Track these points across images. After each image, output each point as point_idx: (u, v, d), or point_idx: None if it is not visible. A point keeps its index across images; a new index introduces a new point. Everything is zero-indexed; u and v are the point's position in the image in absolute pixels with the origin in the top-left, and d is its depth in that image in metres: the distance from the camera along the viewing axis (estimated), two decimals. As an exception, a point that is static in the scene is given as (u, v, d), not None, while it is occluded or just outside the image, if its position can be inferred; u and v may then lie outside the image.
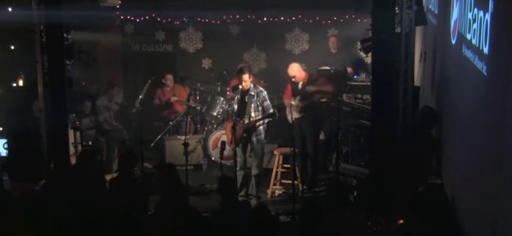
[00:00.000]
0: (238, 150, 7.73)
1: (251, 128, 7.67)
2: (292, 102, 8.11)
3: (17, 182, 7.93)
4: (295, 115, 8.14)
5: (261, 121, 7.68)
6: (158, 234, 5.09)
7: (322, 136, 8.77)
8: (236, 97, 7.71)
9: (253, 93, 7.68)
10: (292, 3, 10.63)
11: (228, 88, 9.61)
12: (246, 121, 7.66)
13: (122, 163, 7.24)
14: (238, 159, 7.73)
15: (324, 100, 8.20)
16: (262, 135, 7.85)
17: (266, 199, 7.95)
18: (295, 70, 8.26)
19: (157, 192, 6.44)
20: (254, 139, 7.75)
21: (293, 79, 8.28)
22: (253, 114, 7.66)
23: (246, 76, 7.63)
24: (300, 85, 8.25)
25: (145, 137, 8.76)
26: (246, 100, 7.69)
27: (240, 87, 7.70)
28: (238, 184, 7.78)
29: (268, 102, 7.78)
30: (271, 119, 7.84)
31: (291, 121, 8.02)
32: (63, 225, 4.84)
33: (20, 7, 8.35)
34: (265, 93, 7.79)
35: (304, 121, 8.24)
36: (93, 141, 9.34)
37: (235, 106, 7.74)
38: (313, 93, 8.17)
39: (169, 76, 10.20)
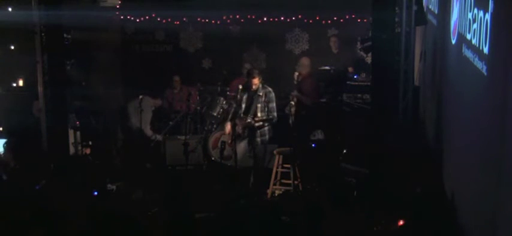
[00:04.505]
0: (238, 150, 7.73)
1: (251, 127, 7.68)
2: (292, 102, 8.20)
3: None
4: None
5: (261, 123, 7.70)
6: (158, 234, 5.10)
7: (322, 136, 8.79)
8: (244, 97, 7.74)
9: (261, 94, 7.71)
10: (292, 3, 10.63)
11: (228, 88, 9.62)
12: (249, 119, 7.68)
13: None
14: (238, 158, 7.74)
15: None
16: (267, 136, 7.86)
17: (266, 199, 7.95)
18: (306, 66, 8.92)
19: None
20: (258, 139, 7.76)
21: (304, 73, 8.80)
22: (259, 114, 7.69)
23: (256, 80, 7.67)
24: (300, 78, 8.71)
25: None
26: (253, 99, 7.71)
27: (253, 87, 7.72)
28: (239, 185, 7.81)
29: (274, 104, 7.79)
30: (270, 122, 7.88)
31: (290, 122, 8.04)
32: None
33: (20, 7, 8.36)
34: (272, 94, 7.80)
35: (302, 122, 8.32)
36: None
37: (243, 105, 7.77)
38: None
39: (176, 78, 10.19)
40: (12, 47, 9.76)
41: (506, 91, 3.38)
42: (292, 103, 8.22)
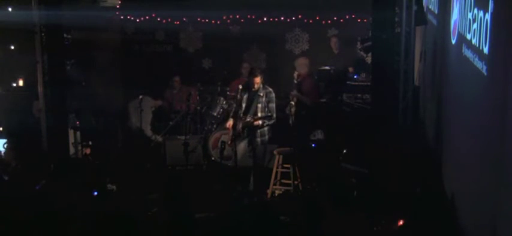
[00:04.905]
0: (238, 150, 7.73)
1: (250, 126, 7.68)
2: (292, 102, 8.21)
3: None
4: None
5: (260, 122, 7.69)
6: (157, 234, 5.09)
7: (322, 136, 8.79)
8: (244, 97, 7.76)
9: (261, 94, 7.72)
10: (292, 3, 10.63)
11: (228, 88, 9.62)
12: (248, 118, 7.69)
13: None
14: (238, 158, 7.75)
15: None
16: (267, 136, 7.86)
17: (266, 199, 7.94)
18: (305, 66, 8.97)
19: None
20: (258, 139, 7.76)
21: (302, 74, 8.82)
22: (259, 114, 7.69)
23: (258, 79, 7.68)
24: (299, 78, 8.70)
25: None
26: (254, 99, 7.72)
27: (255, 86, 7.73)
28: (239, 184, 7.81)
29: (274, 104, 7.78)
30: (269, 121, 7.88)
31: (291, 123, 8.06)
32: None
33: (20, 7, 8.37)
34: (273, 94, 7.80)
35: (302, 122, 8.33)
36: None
37: (244, 105, 7.78)
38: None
39: (176, 78, 10.20)
40: (12, 47, 9.76)
41: (506, 91, 3.38)
42: (292, 103, 8.22)
